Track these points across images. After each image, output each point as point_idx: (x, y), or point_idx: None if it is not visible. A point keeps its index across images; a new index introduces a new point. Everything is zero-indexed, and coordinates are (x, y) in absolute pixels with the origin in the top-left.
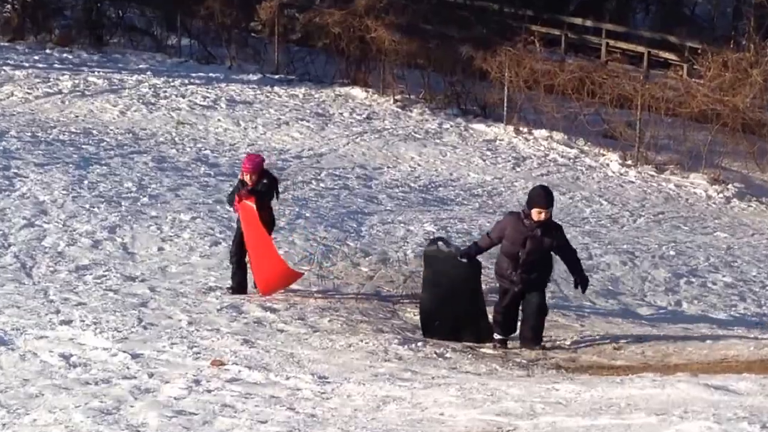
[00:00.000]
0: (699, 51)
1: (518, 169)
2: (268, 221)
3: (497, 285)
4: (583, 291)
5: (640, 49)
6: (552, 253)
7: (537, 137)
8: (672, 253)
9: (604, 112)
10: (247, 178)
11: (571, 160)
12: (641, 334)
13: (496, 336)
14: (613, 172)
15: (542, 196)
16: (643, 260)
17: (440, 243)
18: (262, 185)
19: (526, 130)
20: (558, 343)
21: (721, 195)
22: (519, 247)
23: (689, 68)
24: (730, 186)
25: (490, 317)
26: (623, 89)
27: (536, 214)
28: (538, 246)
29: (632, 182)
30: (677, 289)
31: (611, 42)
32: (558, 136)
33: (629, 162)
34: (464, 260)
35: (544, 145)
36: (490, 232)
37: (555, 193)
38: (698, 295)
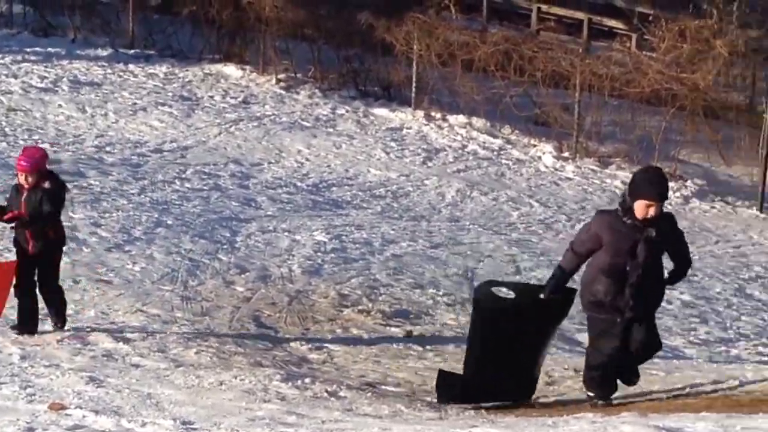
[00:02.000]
0: (651, 18)
1: (429, 164)
2: (54, 240)
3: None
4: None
5: (579, 15)
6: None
7: (453, 124)
8: None
9: (536, 93)
10: (22, 179)
11: (495, 153)
12: (579, 364)
13: (593, 399)
14: (547, 167)
15: (653, 183)
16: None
17: (497, 289)
18: (42, 195)
19: (439, 115)
20: None
21: (678, 194)
22: (625, 257)
23: (639, 39)
24: (689, 183)
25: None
26: (558, 65)
27: (643, 209)
28: (654, 253)
29: (570, 179)
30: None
31: (544, 7)
32: (478, 122)
33: (566, 154)
34: (553, 296)
35: (461, 135)
36: (574, 244)
37: (476, 193)
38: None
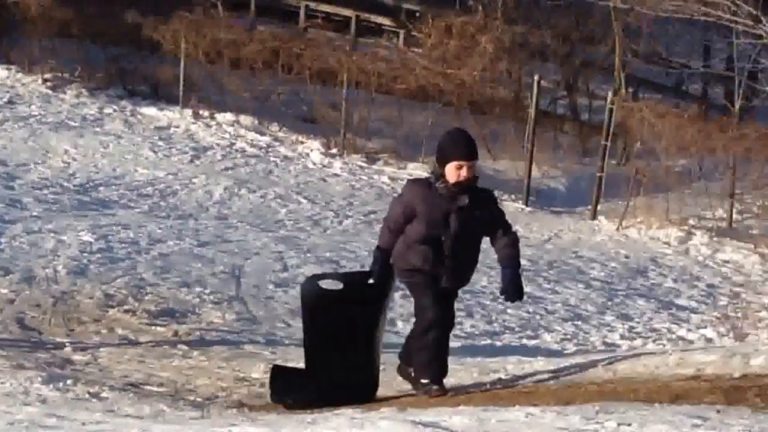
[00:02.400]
0: (417, 14)
1: (197, 163)
2: None
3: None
4: (512, 300)
5: (347, 12)
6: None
7: (221, 122)
8: None
9: (304, 91)
10: None
11: (263, 150)
12: None
13: (428, 385)
14: (315, 164)
15: (459, 143)
16: (349, 270)
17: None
18: None
19: (207, 114)
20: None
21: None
22: (440, 229)
23: (407, 36)
24: None
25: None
26: (326, 62)
27: (454, 171)
28: (470, 223)
29: (338, 175)
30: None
31: (312, 4)
32: (246, 120)
33: (334, 151)
34: (377, 279)
35: (229, 132)
36: (389, 221)
37: (244, 191)
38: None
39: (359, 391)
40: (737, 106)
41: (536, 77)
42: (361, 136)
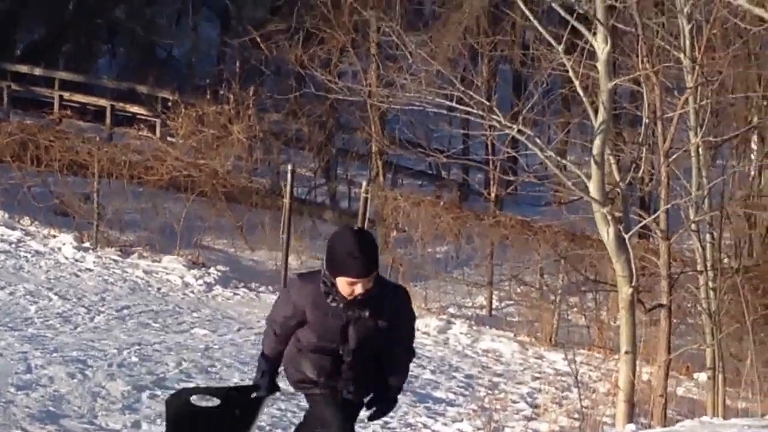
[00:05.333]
0: (170, 103)
1: None
2: None
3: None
4: (374, 418)
5: (102, 102)
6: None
7: None
8: (135, 359)
9: (55, 183)
10: None
11: (14, 245)
12: None
13: None
14: (67, 258)
15: (353, 256)
16: (96, 370)
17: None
18: None
19: None
20: None
21: (201, 281)
22: (335, 342)
23: (162, 125)
24: (212, 270)
25: None
26: (76, 153)
27: (346, 288)
28: (373, 335)
29: (90, 270)
30: (137, 405)
31: (66, 94)
32: None
33: (87, 244)
34: (265, 393)
35: None
36: (275, 325)
37: None
38: (164, 413)
39: None
40: (493, 194)
41: (290, 166)
42: (115, 228)
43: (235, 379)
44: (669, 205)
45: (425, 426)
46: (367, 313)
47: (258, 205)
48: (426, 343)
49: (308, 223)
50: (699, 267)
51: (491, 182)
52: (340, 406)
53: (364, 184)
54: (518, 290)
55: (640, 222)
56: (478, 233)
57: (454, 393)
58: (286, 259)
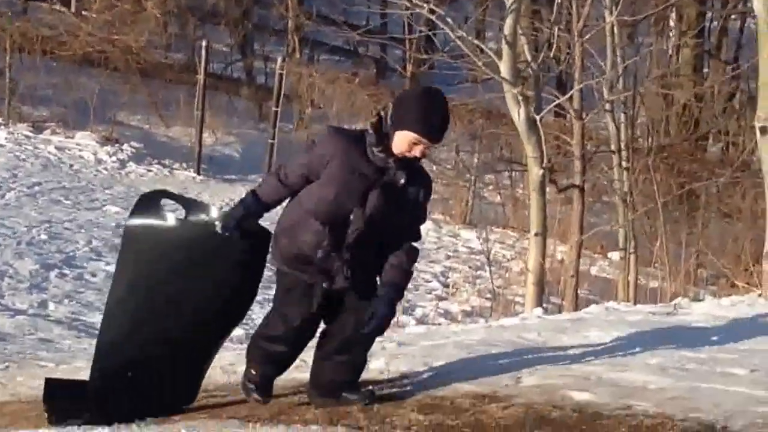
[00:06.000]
0: None
1: None
2: None
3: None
4: (372, 330)
5: None
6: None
7: None
8: (44, 236)
9: None
10: None
11: None
12: None
13: (255, 376)
14: None
15: (433, 116)
16: (4, 249)
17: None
18: None
19: None
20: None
21: (114, 158)
22: (351, 205)
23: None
24: (126, 146)
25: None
26: None
27: (407, 144)
28: (393, 209)
29: (2, 146)
30: (45, 284)
31: None
32: None
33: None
34: (228, 231)
35: None
36: (284, 168)
37: None
38: (71, 292)
39: (165, 403)
40: (409, 72)
41: (204, 42)
42: (27, 104)
43: None
44: (582, 85)
45: None
46: (402, 179)
47: (173, 81)
48: None
49: (224, 98)
50: (613, 147)
51: (408, 58)
52: (311, 307)
53: (279, 60)
54: (433, 168)
55: (554, 102)
56: None
57: None
58: (200, 136)
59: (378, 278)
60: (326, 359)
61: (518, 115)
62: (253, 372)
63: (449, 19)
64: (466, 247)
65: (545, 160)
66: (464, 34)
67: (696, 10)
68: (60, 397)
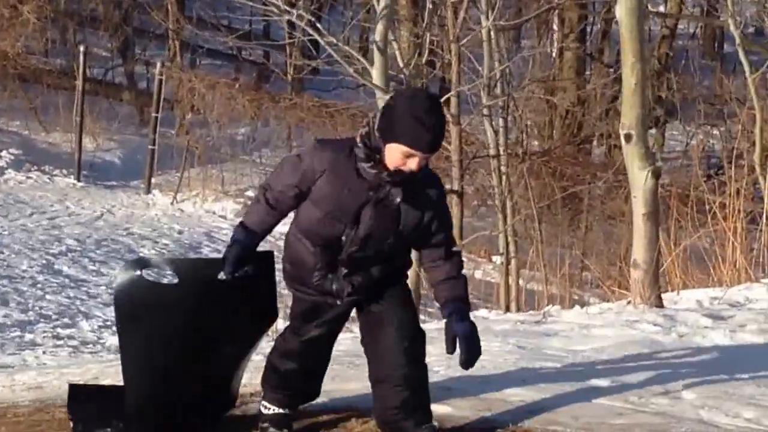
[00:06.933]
0: None
1: None
2: None
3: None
4: (468, 365)
5: None
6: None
7: None
8: None
9: None
10: None
11: None
12: None
13: (271, 410)
14: None
15: (426, 125)
16: None
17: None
18: None
19: None
20: None
21: None
22: (343, 225)
23: None
24: (4, 153)
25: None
26: None
27: (400, 158)
28: (391, 228)
29: None
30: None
31: None
32: None
33: None
34: (229, 273)
35: None
36: (270, 190)
37: None
38: None
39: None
40: (290, 77)
41: (82, 47)
42: None
43: (23, 266)
44: (456, 90)
45: None
46: (399, 198)
47: (52, 86)
48: (222, 227)
49: (105, 104)
50: (492, 152)
51: (288, 64)
52: (323, 325)
53: (159, 65)
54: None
55: None
56: (275, 116)
57: None
58: (80, 142)
59: (391, 275)
60: (386, 382)
61: None
62: (267, 408)
63: (319, 26)
64: None
65: None
66: (333, 40)
67: (577, 14)
68: (85, 404)
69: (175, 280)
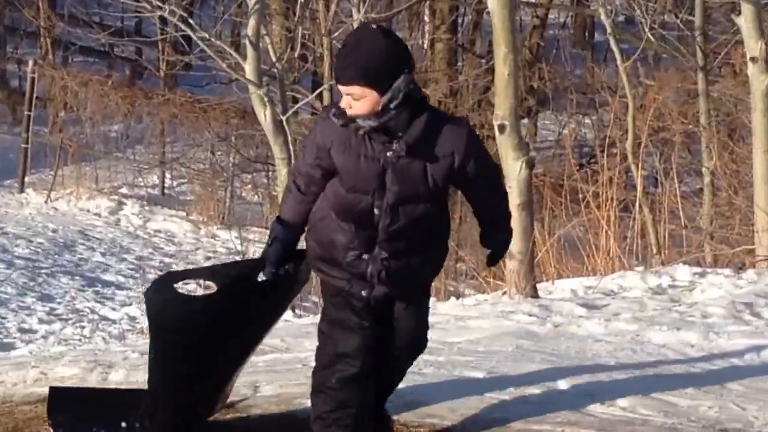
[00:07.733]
0: None
1: None
2: None
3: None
4: (493, 263)
5: None
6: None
7: None
8: None
9: None
10: None
11: None
12: None
13: None
14: None
15: (338, 58)
16: None
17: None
18: None
19: None
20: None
21: None
22: (368, 194)
23: None
24: None
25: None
26: None
27: (345, 100)
28: (414, 184)
29: None
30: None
31: None
32: None
33: None
34: (271, 273)
35: None
36: (300, 175)
37: None
38: None
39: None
40: (162, 73)
41: None
42: None
43: None
44: (330, 83)
45: (93, 311)
46: (404, 148)
47: None
48: (97, 225)
49: None
50: None
51: (161, 60)
52: (362, 313)
53: (31, 63)
54: (190, 168)
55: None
56: (148, 112)
57: (124, 276)
58: None
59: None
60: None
61: (264, 116)
62: None
63: (191, 21)
64: (224, 247)
65: (292, 160)
66: (206, 35)
67: (448, 5)
68: (66, 408)
69: (210, 291)
